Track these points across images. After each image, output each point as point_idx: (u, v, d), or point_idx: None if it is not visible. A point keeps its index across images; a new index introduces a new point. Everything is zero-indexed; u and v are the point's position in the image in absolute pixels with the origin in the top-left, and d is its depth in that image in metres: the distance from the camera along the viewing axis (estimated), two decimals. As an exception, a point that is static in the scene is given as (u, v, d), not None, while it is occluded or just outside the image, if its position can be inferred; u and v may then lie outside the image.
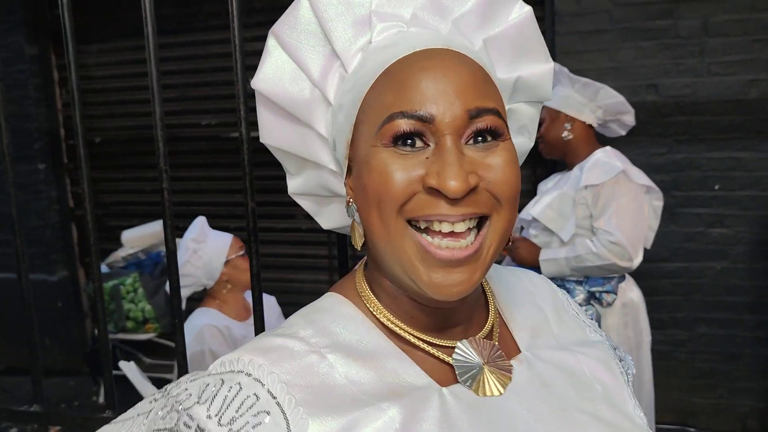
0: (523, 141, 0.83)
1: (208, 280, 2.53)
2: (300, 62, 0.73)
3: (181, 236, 2.56)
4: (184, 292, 2.54)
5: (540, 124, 2.66)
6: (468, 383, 0.70)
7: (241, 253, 2.58)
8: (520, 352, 0.78)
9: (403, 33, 0.71)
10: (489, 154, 0.66)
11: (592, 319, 2.33)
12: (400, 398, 0.66)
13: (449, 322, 0.74)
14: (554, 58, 3.34)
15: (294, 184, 0.83)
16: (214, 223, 2.70)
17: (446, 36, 0.71)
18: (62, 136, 4.75)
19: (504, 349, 0.75)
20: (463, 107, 0.65)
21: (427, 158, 0.65)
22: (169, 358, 4.17)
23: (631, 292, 2.60)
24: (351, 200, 0.73)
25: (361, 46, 0.71)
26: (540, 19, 3.45)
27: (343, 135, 0.72)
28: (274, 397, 0.64)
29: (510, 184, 0.67)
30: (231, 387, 0.65)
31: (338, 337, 0.71)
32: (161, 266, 4.18)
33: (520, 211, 2.79)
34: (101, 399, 4.25)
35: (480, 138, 0.66)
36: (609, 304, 2.52)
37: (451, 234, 0.65)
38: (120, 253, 4.24)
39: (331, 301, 0.76)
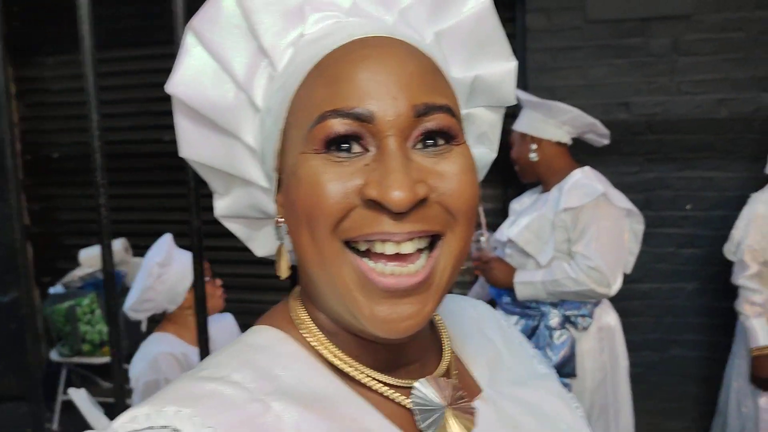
0: (484, 152, 0.73)
1: (169, 305, 2.40)
2: (222, 61, 0.62)
3: (141, 255, 2.44)
4: (142, 316, 2.41)
5: (511, 148, 2.62)
6: (431, 429, 0.61)
7: (208, 278, 2.45)
8: (479, 389, 0.70)
9: (341, 23, 0.60)
10: (441, 160, 0.57)
11: (564, 344, 2.32)
12: None
13: (401, 360, 0.64)
14: (526, 75, 3.30)
15: (221, 206, 0.71)
16: (178, 241, 2.59)
17: (391, 26, 0.61)
18: (18, 151, 4.59)
19: (464, 388, 0.66)
20: (409, 103, 0.55)
21: (367, 165, 0.55)
22: (128, 382, 4.02)
23: (607, 316, 2.52)
24: (280, 220, 0.63)
25: (292, 40, 0.61)
26: (511, 36, 3.41)
27: (271, 143, 0.62)
28: None
29: (466, 196, 0.57)
30: None
31: (281, 381, 0.58)
32: (121, 286, 4.04)
33: (493, 230, 2.73)
34: (55, 426, 4.07)
35: (430, 141, 0.57)
36: (584, 329, 2.44)
37: (397, 257, 0.56)
38: (77, 273, 4.09)
39: (267, 336, 0.64)
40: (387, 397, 0.62)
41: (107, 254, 1.06)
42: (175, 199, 4.28)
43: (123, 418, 0.54)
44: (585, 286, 2.31)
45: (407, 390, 0.63)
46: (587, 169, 2.50)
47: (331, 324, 0.63)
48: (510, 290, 2.47)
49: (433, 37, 0.63)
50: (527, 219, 2.48)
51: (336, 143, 0.55)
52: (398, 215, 0.54)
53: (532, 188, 2.74)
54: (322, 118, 0.55)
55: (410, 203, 0.53)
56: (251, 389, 0.56)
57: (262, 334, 0.64)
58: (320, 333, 0.63)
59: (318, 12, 0.61)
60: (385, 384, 0.62)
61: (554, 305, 2.45)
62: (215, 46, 0.62)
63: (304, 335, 0.63)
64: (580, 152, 2.70)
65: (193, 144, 0.66)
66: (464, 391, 0.65)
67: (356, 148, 0.55)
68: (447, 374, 0.67)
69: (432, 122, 0.56)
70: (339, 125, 0.55)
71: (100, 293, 4.01)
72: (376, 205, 0.54)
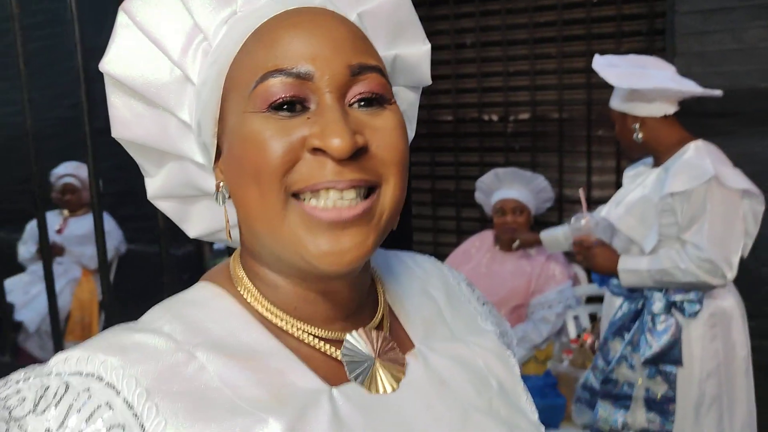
0: None
1: None
2: (156, 40, 0.64)
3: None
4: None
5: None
6: (359, 379, 0.64)
7: None
8: (413, 346, 0.71)
9: (271, 0, 0.64)
10: (375, 117, 0.61)
11: (666, 331, 2.18)
12: (285, 404, 0.58)
13: (336, 313, 0.67)
14: (674, 39, 3.20)
15: (154, 187, 0.73)
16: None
17: (320, 3, 0.65)
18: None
19: (397, 343, 0.69)
20: (344, 63, 0.59)
21: (308, 119, 0.58)
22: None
23: (723, 301, 2.25)
24: (221, 184, 0.66)
25: (226, 17, 0.64)
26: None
27: (209, 111, 0.64)
28: (131, 407, 0.54)
29: (399, 148, 0.62)
30: (78, 394, 0.54)
31: (211, 333, 0.61)
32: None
33: (590, 205, 2.56)
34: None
35: (363, 103, 0.61)
36: (693, 315, 2.21)
37: (339, 201, 0.59)
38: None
39: (204, 293, 0.66)
40: (318, 350, 0.65)
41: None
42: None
43: (58, 357, 0.58)
44: (696, 278, 2.12)
45: (339, 344, 0.66)
46: (700, 143, 2.22)
47: (272, 276, 0.65)
48: (615, 276, 2.34)
49: (355, 17, 0.67)
50: (630, 201, 2.29)
51: (279, 106, 0.59)
52: (341, 162, 0.57)
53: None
54: (264, 78, 0.58)
55: (351, 149, 0.56)
56: (179, 341, 0.59)
57: (200, 290, 0.67)
58: (255, 289, 0.66)
59: None
60: (317, 337, 0.65)
61: (659, 289, 2.26)
62: (148, 26, 0.64)
63: (240, 291, 0.66)
64: (736, 124, 2.49)
65: (127, 123, 0.67)
66: (395, 344, 0.68)
67: (298, 107, 0.59)
68: (380, 328, 0.70)
69: (366, 82, 0.60)
70: (281, 85, 0.58)
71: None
72: (319, 155, 0.58)
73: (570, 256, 3.15)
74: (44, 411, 0.53)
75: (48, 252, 1.33)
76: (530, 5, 3.81)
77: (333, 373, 0.64)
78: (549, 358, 3.09)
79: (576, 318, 3.17)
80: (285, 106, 0.59)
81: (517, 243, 3.18)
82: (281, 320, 0.65)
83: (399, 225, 0.68)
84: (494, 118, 4.07)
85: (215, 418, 0.55)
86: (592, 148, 3.79)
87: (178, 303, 0.65)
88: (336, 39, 0.60)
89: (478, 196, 3.48)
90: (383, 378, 0.65)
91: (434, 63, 3.45)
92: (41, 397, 0.54)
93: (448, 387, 0.69)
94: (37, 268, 4.11)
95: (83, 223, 4.14)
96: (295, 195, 0.59)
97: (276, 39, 0.60)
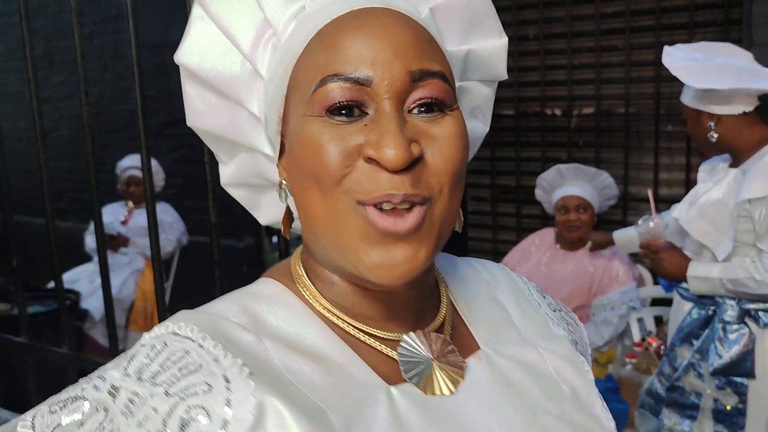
0: (476, 125, 0.76)
1: None
2: (228, 33, 0.65)
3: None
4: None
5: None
6: (414, 380, 0.63)
7: None
8: (479, 348, 0.70)
9: None
10: (434, 124, 0.59)
11: (738, 341, 2.03)
12: (343, 396, 0.58)
13: (396, 313, 0.66)
14: (750, 29, 3.04)
15: (226, 174, 0.74)
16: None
17: (385, 2, 0.62)
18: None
19: (461, 346, 0.68)
20: (404, 68, 0.58)
21: (366, 126, 0.58)
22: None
23: None
24: (283, 182, 0.66)
25: (295, 12, 0.64)
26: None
27: (274, 108, 0.64)
28: (207, 350, 0.56)
29: (454, 159, 0.60)
30: (154, 346, 0.57)
31: (275, 328, 0.62)
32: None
33: (656, 203, 2.43)
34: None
35: (423, 108, 0.59)
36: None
37: (393, 212, 0.58)
38: (296, 225, 4.47)
39: (269, 289, 0.67)
40: (375, 348, 0.64)
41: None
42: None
43: (146, 335, 0.61)
44: None
45: (396, 343, 0.65)
46: None
47: (330, 275, 0.66)
48: (684, 281, 2.23)
49: (428, 12, 0.65)
50: (703, 203, 2.14)
51: (337, 111, 0.58)
52: (395, 173, 0.56)
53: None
54: (323, 82, 0.58)
55: (405, 161, 0.55)
56: (246, 329, 0.61)
57: (264, 285, 0.68)
58: (314, 288, 0.66)
59: None
60: (373, 336, 0.65)
61: (732, 297, 2.13)
62: (222, 19, 0.65)
63: (300, 289, 0.67)
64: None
65: (200, 113, 0.69)
66: (455, 347, 0.67)
67: (356, 111, 0.58)
68: (441, 330, 0.69)
69: (427, 89, 0.59)
70: (339, 90, 0.57)
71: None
72: (374, 164, 0.57)
73: (635, 256, 3.05)
74: (120, 364, 0.57)
75: (103, 244, 1.34)
76: (597, -5, 3.69)
77: (391, 372, 0.63)
78: (611, 361, 3.00)
79: (640, 320, 3.07)
80: (343, 111, 0.58)
81: (589, 245, 3.09)
82: (338, 319, 0.65)
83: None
84: (557, 113, 3.97)
85: (282, 391, 0.55)
86: (660, 144, 3.65)
87: (242, 296, 0.66)
88: (398, 43, 0.59)
89: (539, 194, 3.40)
90: (440, 380, 0.64)
91: (495, 56, 3.35)
92: (119, 360, 0.58)
93: (514, 389, 0.67)
94: (102, 258, 4.23)
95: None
96: (360, 202, 0.59)
97: (337, 42, 0.59)
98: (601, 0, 3.69)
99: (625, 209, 3.71)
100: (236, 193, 0.76)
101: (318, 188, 0.59)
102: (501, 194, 4.25)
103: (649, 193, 2.44)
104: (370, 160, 0.57)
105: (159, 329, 0.60)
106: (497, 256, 3.87)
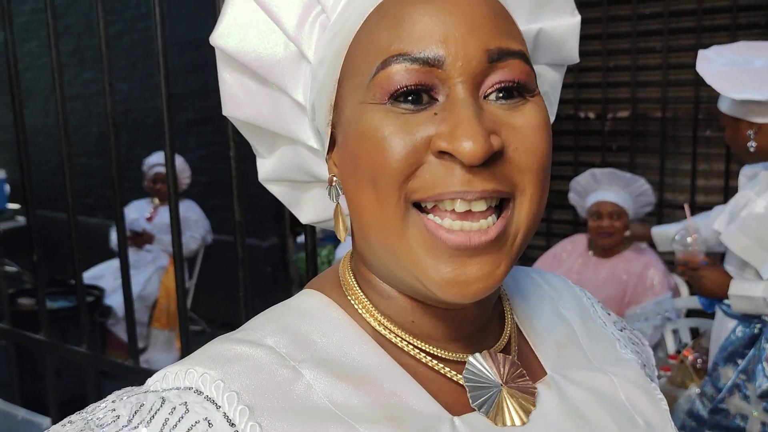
0: None
1: None
2: (271, 12, 0.57)
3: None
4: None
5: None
6: (483, 409, 0.55)
7: None
8: (545, 373, 0.63)
9: None
10: (515, 112, 0.52)
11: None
12: (401, 427, 0.51)
13: (459, 332, 0.59)
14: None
15: (265, 169, 0.67)
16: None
17: None
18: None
19: (527, 370, 0.60)
20: (482, 47, 0.50)
21: (436, 114, 0.50)
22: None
23: None
24: (334, 178, 0.59)
25: None
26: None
27: (325, 95, 0.57)
28: (233, 425, 0.49)
29: (540, 152, 0.52)
30: (175, 408, 0.49)
31: (318, 348, 0.55)
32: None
33: (693, 213, 2.36)
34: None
35: (502, 94, 0.51)
36: None
37: (467, 214, 0.50)
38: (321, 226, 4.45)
39: (313, 302, 0.60)
40: (437, 371, 0.57)
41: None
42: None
43: (156, 376, 0.54)
44: None
45: (461, 365, 0.58)
46: None
47: (386, 288, 0.58)
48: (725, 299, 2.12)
49: None
50: (744, 216, 2.01)
51: (402, 96, 0.50)
52: (471, 169, 0.49)
53: None
54: (386, 64, 0.50)
55: (484, 154, 0.48)
56: (283, 354, 0.53)
57: (308, 298, 0.60)
58: (367, 301, 0.59)
59: None
60: (435, 357, 0.57)
61: None
62: None
63: (351, 301, 0.59)
64: None
65: (238, 101, 0.62)
66: (524, 371, 0.60)
67: (424, 98, 0.51)
68: (507, 350, 0.62)
69: (506, 70, 0.51)
70: (404, 72, 0.50)
71: (336, 245, 4.33)
72: (446, 159, 0.49)
73: (671, 265, 2.95)
74: (137, 427, 0.48)
75: (124, 242, 1.30)
76: (634, -4, 3.59)
77: (454, 399, 0.56)
78: (644, 373, 2.90)
79: (675, 332, 2.97)
80: (409, 97, 0.50)
81: (628, 232, 2.99)
82: (396, 336, 0.57)
83: None
84: (591, 116, 3.88)
85: None
86: (698, 149, 3.55)
87: (283, 312, 0.59)
88: (473, 17, 0.50)
89: (573, 197, 3.31)
90: (511, 409, 0.56)
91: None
92: (135, 413, 0.50)
93: (587, 422, 0.59)
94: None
95: (173, 212, 4.22)
96: (417, 204, 0.51)
97: (401, 17, 0.51)
98: (638, 1, 3.59)
99: (660, 216, 3.60)
100: (275, 189, 0.69)
101: (374, 189, 0.51)
102: (531, 198, 4.17)
103: (686, 207, 2.35)
104: (441, 154, 0.49)
105: (182, 376, 0.52)
106: (526, 261, 3.78)
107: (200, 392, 0.50)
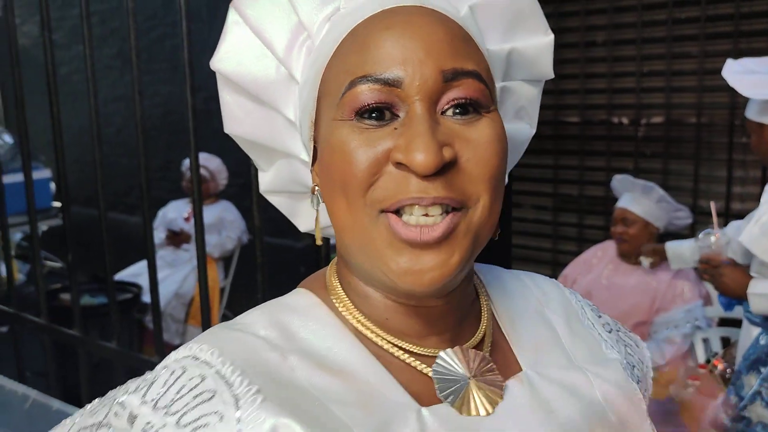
0: (522, 126, 0.72)
1: None
2: (263, 37, 0.64)
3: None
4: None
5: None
6: (449, 399, 0.59)
7: None
8: (521, 369, 0.66)
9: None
10: (469, 126, 0.57)
11: None
12: (371, 412, 0.56)
13: (432, 329, 0.63)
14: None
15: (265, 181, 0.73)
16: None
17: (418, 0, 0.60)
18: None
19: (502, 366, 0.65)
20: (437, 68, 0.55)
21: (395, 129, 0.56)
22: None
23: None
24: (316, 188, 0.65)
25: (329, 14, 0.62)
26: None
27: (307, 113, 0.63)
28: (222, 377, 0.55)
29: (492, 164, 0.57)
30: (173, 371, 0.57)
31: (305, 342, 0.61)
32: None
33: (728, 218, 2.34)
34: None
35: (458, 110, 0.57)
36: None
37: (425, 217, 0.56)
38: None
39: (304, 301, 0.66)
40: (409, 365, 0.61)
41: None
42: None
43: (164, 360, 0.61)
44: None
45: (432, 359, 0.62)
46: None
47: (364, 288, 0.63)
48: (744, 299, 2.09)
49: (467, 10, 0.62)
50: (767, 218, 1.96)
51: (367, 113, 0.56)
52: (425, 178, 0.54)
53: None
54: (353, 84, 0.56)
55: (435, 166, 0.53)
56: (273, 345, 0.59)
57: (299, 297, 0.66)
58: (348, 300, 0.64)
59: None
60: (408, 352, 0.62)
61: None
62: (256, 23, 0.64)
63: (334, 301, 0.65)
64: None
65: (237, 120, 0.68)
66: (495, 366, 0.63)
67: (386, 115, 0.56)
68: (480, 347, 0.66)
69: (461, 89, 0.56)
70: (368, 91, 0.55)
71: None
72: (404, 169, 0.55)
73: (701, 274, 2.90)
74: (141, 389, 0.57)
75: (151, 244, 1.36)
76: (669, 0, 3.55)
77: (424, 391, 0.60)
78: (672, 382, 2.87)
79: (706, 341, 2.92)
80: (373, 114, 0.56)
81: (643, 259, 2.97)
82: (372, 333, 0.63)
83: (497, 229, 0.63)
84: (624, 121, 3.85)
85: (304, 410, 0.54)
86: (734, 156, 3.49)
87: (275, 308, 0.65)
88: (430, 42, 0.56)
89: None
90: (477, 400, 0.60)
91: (562, 62, 3.31)
92: (142, 382, 0.58)
93: (555, 417, 0.63)
94: (164, 254, 4.34)
95: (210, 213, 4.31)
96: (384, 210, 0.57)
97: (367, 43, 0.57)
98: (674, 5, 3.55)
99: (693, 223, 3.55)
100: (275, 200, 0.75)
101: (344, 197, 0.57)
102: (563, 203, 4.14)
103: (712, 206, 2.33)
104: (399, 165, 0.55)
105: (183, 351, 0.59)
106: (557, 266, 3.77)
107: (197, 358, 0.58)
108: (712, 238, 2.29)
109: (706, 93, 3.54)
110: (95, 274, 4.35)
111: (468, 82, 0.57)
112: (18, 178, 3.96)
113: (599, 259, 3.22)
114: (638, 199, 3.05)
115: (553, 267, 4.14)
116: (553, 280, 0.81)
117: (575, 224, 4.11)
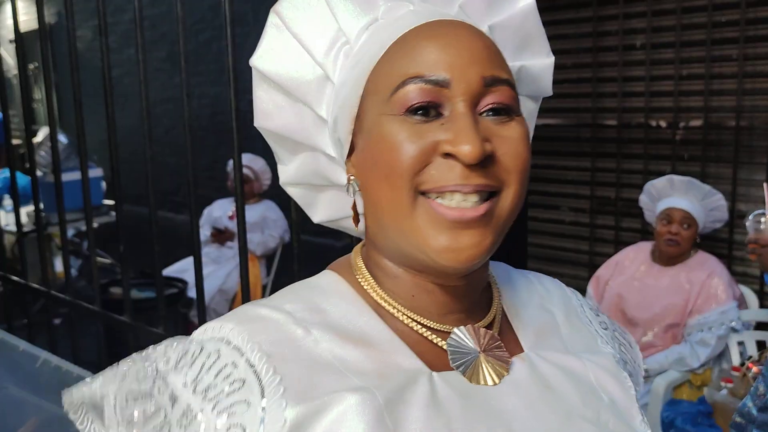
0: None
1: None
2: (302, 41, 0.70)
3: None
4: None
5: None
6: (461, 369, 0.67)
7: None
8: (522, 350, 0.74)
9: (412, 11, 0.69)
10: (503, 126, 0.65)
11: None
12: (387, 379, 0.63)
13: (450, 307, 0.71)
14: None
15: (287, 174, 0.80)
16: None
17: (455, 15, 0.70)
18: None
19: (507, 346, 0.72)
20: (479, 74, 0.63)
21: (442, 125, 0.63)
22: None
23: None
24: (352, 177, 0.71)
25: (367, 23, 0.70)
26: None
27: (347, 110, 0.69)
28: (252, 366, 0.62)
29: (522, 158, 0.65)
30: (210, 354, 0.63)
31: (327, 315, 0.68)
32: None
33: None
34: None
35: (493, 112, 0.64)
36: None
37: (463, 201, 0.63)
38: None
39: (327, 280, 0.73)
40: (425, 338, 0.68)
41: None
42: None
43: (200, 329, 0.68)
44: None
45: (446, 335, 0.69)
46: None
47: (394, 268, 0.70)
48: None
49: (487, 29, 0.71)
50: None
51: (415, 111, 0.63)
52: (468, 168, 0.61)
53: None
54: (404, 84, 0.63)
55: (480, 155, 0.60)
56: (298, 318, 0.66)
57: (324, 277, 0.74)
58: (372, 280, 0.71)
59: (390, 1, 0.70)
60: (426, 327, 0.69)
61: None
62: (297, 27, 0.70)
63: (359, 279, 0.72)
64: None
65: (269, 114, 0.75)
66: (502, 344, 0.71)
67: (432, 112, 0.63)
68: (489, 328, 0.72)
69: (497, 95, 0.64)
70: (418, 90, 0.62)
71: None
72: (449, 160, 0.62)
73: (737, 277, 2.90)
74: (182, 368, 0.63)
75: (198, 241, 1.46)
76: (709, 3, 3.54)
77: (438, 360, 0.67)
78: (705, 384, 2.87)
79: (741, 344, 2.91)
80: (420, 111, 0.63)
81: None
82: (393, 308, 0.69)
83: (513, 229, 0.70)
84: (662, 124, 3.84)
85: (324, 384, 0.61)
86: (775, 159, 3.46)
87: (301, 287, 0.72)
88: (472, 50, 0.64)
89: (644, 200, 3.24)
90: (486, 371, 0.67)
91: (600, 65, 3.35)
92: (181, 357, 0.64)
93: (552, 392, 0.70)
94: (209, 251, 4.48)
95: (253, 212, 4.44)
96: (423, 193, 0.64)
97: (416, 48, 0.64)
98: (714, 9, 3.54)
99: (732, 227, 3.54)
100: (293, 192, 0.82)
101: (387, 182, 0.64)
102: (600, 206, 4.15)
103: (765, 187, 2.34)
104: (446, 155, 0.62)
105: (217, 330, 0.65)
106: (593, 268, 3.79)
107: (229, 342, 0.64)
108: (763, 219, 2.36)
109: (745, 96, 3.52)
110: (142, 269, 4.50)
111: (503, 89, 0.65)
112: (71, 176, 4.13)
113: (632, 261, 3.22)
114: (696, 202, 3.03)
115: (590, 269, 4.14)
116: (556, 279, 0.89)
117: (612, 227, 4.11)
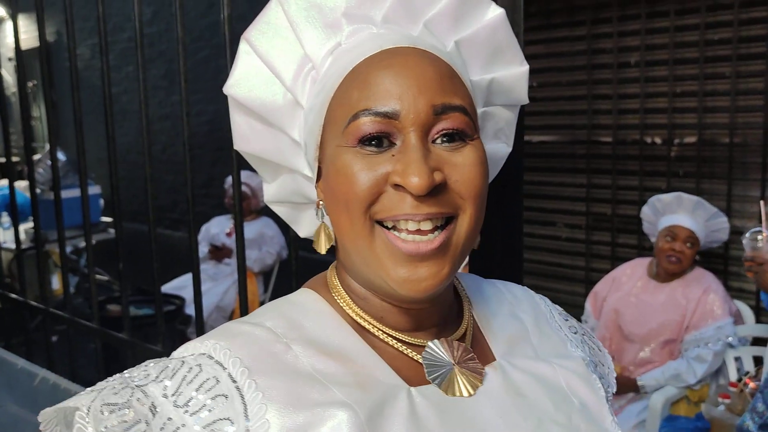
0: (500, 146, 0.81)
1: None
2: (272, 67, 0.72)
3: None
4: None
5: None
6: (437, 382, 0.68)
7: None
8: (495, 359, 0.75)
9: (373, 34, 0.70)
10: (456, 153, 0.66)
11: None
12: (367, 391, 0.64)
13: (421, 324, 0.73)
14: None
15: (270, 192, 0.82)
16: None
17: (416, 37, 0.70)
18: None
19: (479, 356, 0.73)
20: (428, 102, 0.64)
21: (393, 156, 0.64)
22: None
23: None
24: (320, 202, 0.73)
25: (331, 48, 0.70)
26: None
27: (313, 137, 0.71)
28: (234, 381, 0.62)
29: (475, 183, 0.66)
30: (191, 368, 0.63)
31: (306, 331, 0.69)
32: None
33: None
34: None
35: (446, 138, 0.65)
36: None
37: (418, 232, 0.65)
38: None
39: (304, 297, 0.75)
40: (401, 352, 0.70)
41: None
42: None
43: (180, 348, 0.68)
44: None
45: (421, 348, 0.71)
46: None
47: (362, 290, 0.72)
48: None
49: (453, 45, 0.72)
50: None
51: (368, 141, 0.64)
52: (419, 198, 0.63)
53: None
54: (356, 117, 0.64)
55: (428, 187, 0.62)
56: (279, 334, 0.67)
57: (302, 294, 0.75)
58: (347, 297, 0.73)
59: (353, 24, 0.70)
60: (400, 341, 0.71)
61: None
62: (266, 54, 0.72)
63: (335, 297, 0.73)
64: None
65: (246, 139, 0.76)
66: (474, 355, 0.72)
67: (384, 142, 0.65)
68: (462, 340, 0.74)
69: (449, 121, 0.65)
70: (370, 123, 0.64)
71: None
72: (400, 190, 0.63)
73: (732, 292, 2.91)
74: (162, 380, 0.62)
75: (196, 258, 1.47)
76: (702, 21, 3.59)
77: (414, 374, 0.69)
78: (702, 400, 2.87)
79: (737, 359, 2.92)
80: (373, 141, 0.65)
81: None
82: (369, 324, 0.71)
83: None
84: (657, 141, 3.88)
85: (306, 398, 0.62)
86: (768, 176, 3.49)
87: (281, 304, 0.74)
88: (422, 80, 0.65)
89: (646, 212, 3.23)
90: (461, 383, 0.69)
91: (595, 82, 3.38)
92: (161, 371, 0.63)
93: (525, 399, 0.71)
94: (207, 267, 4.48)
95: (251, 228, 4.45)
96: (380, 223, 0.65)
97: (368, 80, 0.66)
98: (706, 27, 3.58)
99: (727, 242, 3.55)
100: (278, 209, 0.84)
101: (347, 212, 0.65)
102: (596, 222, 4.17)
103: (762, 204, 2.36)
104: (397, 186, 0.64)
105: (199, 346, 0.66)
106: (590, 284, 3.80)
107: (211, 357, 0.64)
108: (760, 237, 2.37)
109: (739, 113, 3.55)
110: (140, 286, 4.50)
111: (455, 115, 0.65)
112: (69, 194, 4.14)
113: (629, 277, 3.23)
114: (701, 222, 3.03)
115: (586, 285, 4.15)
116: (525, 287, 0.90)
117: (608, 243, 4.13)
